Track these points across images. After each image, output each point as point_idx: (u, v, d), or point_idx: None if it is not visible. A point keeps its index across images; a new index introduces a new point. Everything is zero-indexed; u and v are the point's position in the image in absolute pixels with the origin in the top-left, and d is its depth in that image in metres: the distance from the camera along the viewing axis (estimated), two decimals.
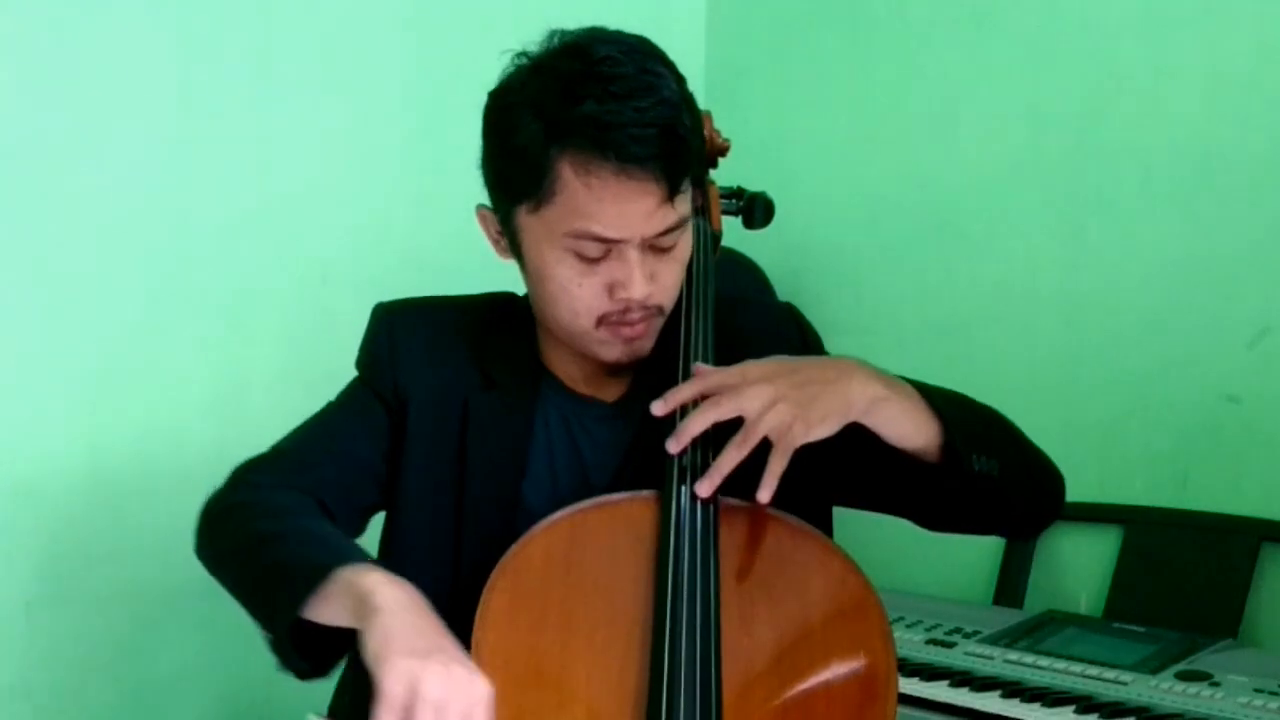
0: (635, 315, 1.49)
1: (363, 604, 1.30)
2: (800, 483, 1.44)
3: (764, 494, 1.40)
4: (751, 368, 1.44)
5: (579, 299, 1.48)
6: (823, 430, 1.41)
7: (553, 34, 1.49)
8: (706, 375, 1.46)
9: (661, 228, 1.45)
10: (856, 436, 1.44)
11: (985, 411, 1.55)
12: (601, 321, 1.49)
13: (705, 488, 1.43)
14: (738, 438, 1.41)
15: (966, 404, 1.53)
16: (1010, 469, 1.50)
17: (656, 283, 1.48)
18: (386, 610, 1.29)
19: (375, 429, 1.58)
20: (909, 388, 1.47)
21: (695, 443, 1.46)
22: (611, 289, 1.47)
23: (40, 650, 2.33)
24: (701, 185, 1.56)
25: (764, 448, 1.41)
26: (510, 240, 1.53)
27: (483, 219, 1.57)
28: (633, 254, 1.45)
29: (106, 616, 2.38)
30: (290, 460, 1.57)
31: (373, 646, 1.27)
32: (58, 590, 2.33)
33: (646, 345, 1.53)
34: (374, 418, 1.58)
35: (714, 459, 1.43)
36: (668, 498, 1.46)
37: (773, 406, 1.39)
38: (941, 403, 1.47)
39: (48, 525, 2.33)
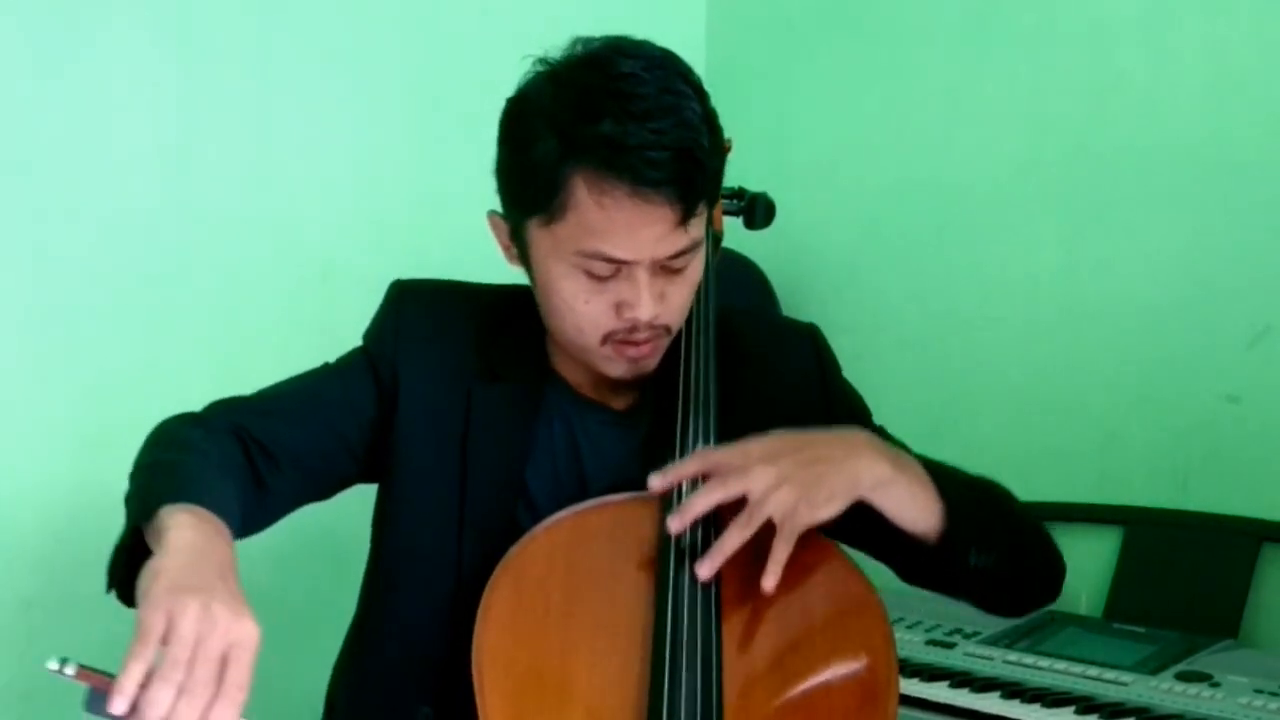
0: (642, 335, 1.48)
1: (159, 539, 1.27)
2: None
3: (769, 582, 1.39)
4: (755, 446, 1.43)
5: (585, 316, 1.47)
6: (828, 512, 1.40)
7: (575, 41, 1.47)
8: (710, 453, 1.45)
9: (673, 250, 1.44)
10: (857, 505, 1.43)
11: (994, 497, 1.54)
12: (607, 339, 1.48)
13: (706, 570, 1.41)
14: (741, 519, 1.40)
15: (975, 489, 1.52)
16: (1007, 564, 1.49)
17: (665, 303, 1.47)
18: (169, 550, 1.24)
19: (359, 400, 1.56)
20: (917, 468, 1.46)
21: (696, 522, 1.44)
22: (619, 308, 1.46)
23: (40, 650, 2.31)
24: (715, 202, 1.55)
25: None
26: (520, 250, 1.52)
27: (494, 225, 1.55)
28: (642, 275, 1.44)
29: (106, 617, 2.37)
30: (256, 407, 1.55)
31: (143, 583, 1.22)
32: (58, 590, 2.33)
33: (651, 364, 1.52)
34: (361, 388, 1.57)
35: (715, 537, 1.42)
36: (669, 499, 1.46)
37: (778, 488, 1.38)
38: (949, 489, 1.46)
39: (48, 525, 2.32)
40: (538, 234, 1.47)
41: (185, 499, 1.32)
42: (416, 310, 1.60)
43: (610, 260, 1.43)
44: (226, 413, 1.53)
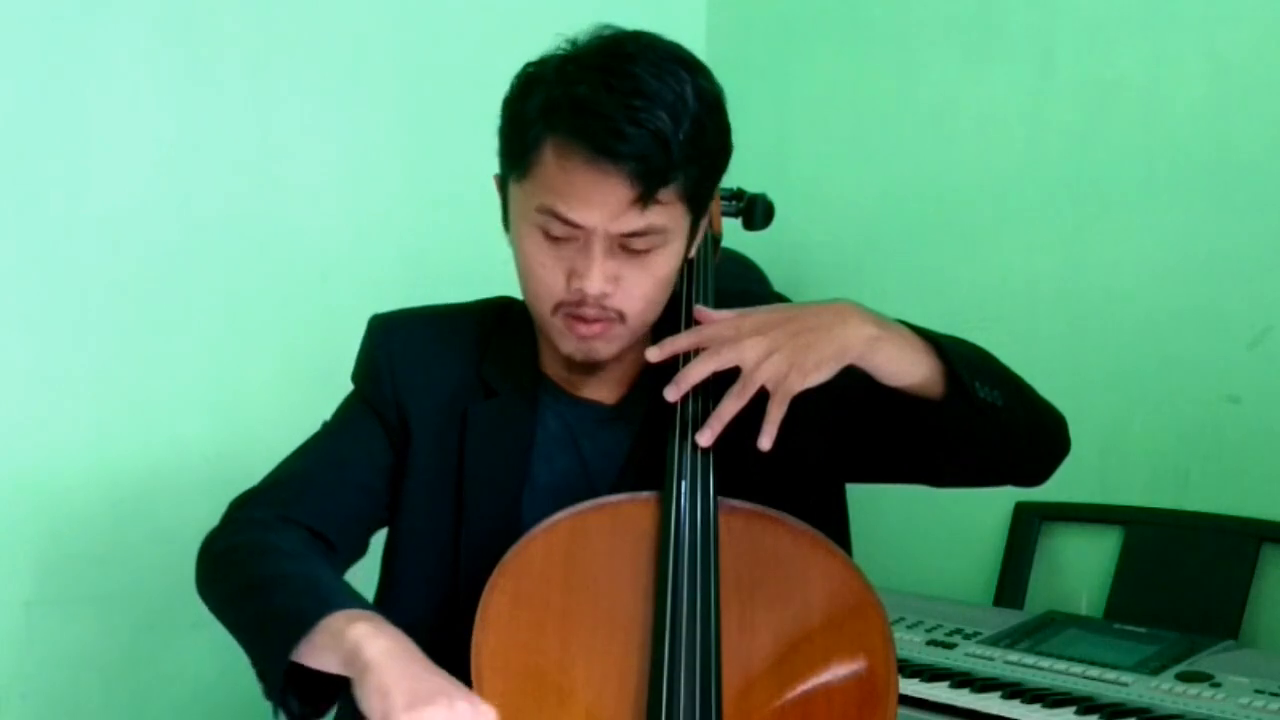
0: (590, 311, 1.48)
1: (353, 657, 1.30)
2: (811, 460, 1.47)
3: (765, 441, 1.41)
4: (747, 318, 1.45)
5: (540, 280, 1.49)
6: (818, 376, 1.42)
7: (603, 27, 1.50)
8: (703, 328, 1.47)
9: (628, 229, 1.45)
10: (858, 382, 1.44)
11: (982, 350, 1.55)
12: (558, 309, 1.49)
13: (706, 437, 1.45)
14: (736, 388, 1.43)
15: (964, 342, 1.53)
16: (1014, 401, 1.50)
17: (619, 287, 1.47)
18: (378, 664, 1.28)
19: (375, 449, 1.58)
20: (904, 329, 1.48)
21: (695, 392, 1.48)
22: (570, 277, 1.47)
23: (40, 650, 2.33)
24: (703, 204, 1.54)
25: (764, 404, 1.42)
26: (503, 210, 1.54)
27: (498, 187, 1.57)
28: (597, 246, 1.45)
29: (106, 617, 2.38)
30: (287, 492, 1.56)
31: (375, 705, 1.27)
32: (58, 590, 2.33)
33: (602, 350, 1.52)
34: (373, 437, 1.58)
35: (714, 409, 1.45)
36: (668, 499, 1.46)
37: (769, 357, 1.41)
38: (939, 339, 1.48)
39: (48, 525, 2.33)
40: (514, 190, 1.50)
41: (336, 606, 1.35)
42: (405, 343, 1.61)
43: (564, 221, 1.45)
44: (266, 507, 1.54)
